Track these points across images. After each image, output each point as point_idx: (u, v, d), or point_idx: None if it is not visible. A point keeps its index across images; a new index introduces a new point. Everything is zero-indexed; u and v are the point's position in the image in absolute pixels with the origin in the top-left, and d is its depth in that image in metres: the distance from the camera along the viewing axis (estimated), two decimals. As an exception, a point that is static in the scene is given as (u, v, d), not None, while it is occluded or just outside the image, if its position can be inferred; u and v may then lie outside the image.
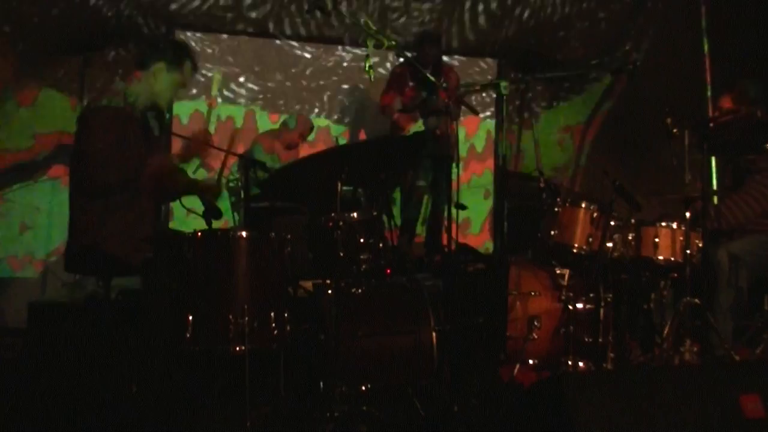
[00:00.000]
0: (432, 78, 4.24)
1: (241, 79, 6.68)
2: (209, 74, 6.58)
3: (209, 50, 6.57)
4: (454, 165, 4.25)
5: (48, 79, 5.92)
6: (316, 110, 6.81)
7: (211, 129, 5.24)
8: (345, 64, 6.88)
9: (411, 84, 5.67)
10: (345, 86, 6.93)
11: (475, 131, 7.25)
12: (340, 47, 6.86)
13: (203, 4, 6.25)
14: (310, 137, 6.34)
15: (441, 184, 5.72)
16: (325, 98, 6.89)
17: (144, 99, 3.43)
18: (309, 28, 6.64)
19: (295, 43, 6.79)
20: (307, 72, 6.84)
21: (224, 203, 6.18)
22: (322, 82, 6.87)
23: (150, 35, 6.23)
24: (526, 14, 6.63)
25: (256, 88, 6.71)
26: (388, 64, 6.58)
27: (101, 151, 3.21)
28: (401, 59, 5.19)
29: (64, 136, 5.90)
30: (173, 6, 6.19)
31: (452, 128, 5.52)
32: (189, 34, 6.51)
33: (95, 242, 3.25)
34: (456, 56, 7.04)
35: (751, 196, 4.18)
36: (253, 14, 6.43)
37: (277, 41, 6.76)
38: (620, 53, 6.52)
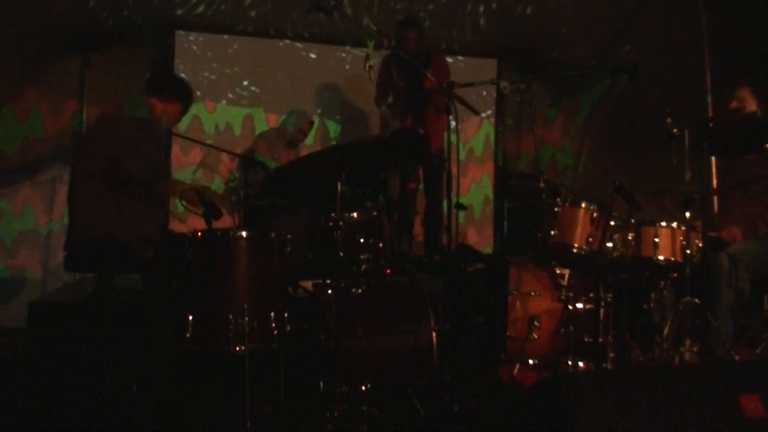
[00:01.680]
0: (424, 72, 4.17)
1: (245, 82, 6.67)
2: (213, 77, 6.57)
3: (210, 53, 6.55)
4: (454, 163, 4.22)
5: (48, 80, 5.92)
6: (319, 111, 6.80)
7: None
8: (348, 67, 6.87)
9: (396, 75, 5.62)
10: (347, 87, 6.92)
11: (474, 134, 7.23)
12: (341, 48, 6.85)
13: (204, 5, 6.23)
14: (311, 134, 6.33)
15: (434, 183, 5.70)
16: (327, 99, 6.88)
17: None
18: (312, 30, 6.62)
19: (298, 44, 6.77)
20: (310, 73, 6.82)
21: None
22: (324, 84, 6.86)
23: (151, 37, 6.23)
24: (526, 15, 6.62)
25: (258, 90, 6.69)
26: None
27: (130, 145, 3.37)
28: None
29: (64, 137, 5.92)
30: (173, 7, 6.18)
31: (437, 122, 5.47)
32: (191, 38, 6.49)
33: (106, 237, 3.27)
34: (460, 56, 7.04)
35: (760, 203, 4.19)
36: (255, 16, 6.41)
37: (280, 43, 6.74)
38: (620, 53, 6.52)
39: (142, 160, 3.38)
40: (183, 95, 3.83)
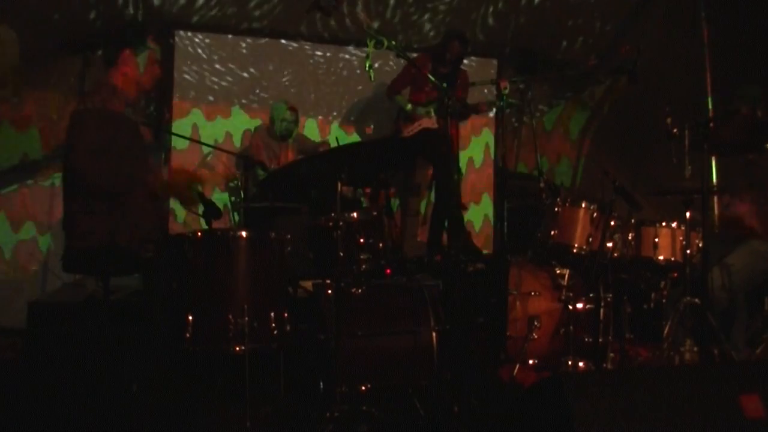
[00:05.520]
0: (432, 78, 4.21)
1: (248, 84, 6.62)
2: (216, 79, 6.55)
3: (215, 55, 6.52)
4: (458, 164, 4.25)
5: (48, 79, 5.92)
6: (335, 113, 6.79)
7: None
8: (358, 71, 6.83)
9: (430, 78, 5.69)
10: (355, 88, 6.88)
11: (473, 141, 7.21)
12: (345, 48, 6.84)
13: (206, 5, 6.21)
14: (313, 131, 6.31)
15: (442, 182, 5.71)
16: (333, 100, 6.85)
17: (132, 91, 3.46)
18: (317, 30, 6.60)
19: (303, 44, 6.73)
20: (315, 74, 6.78)
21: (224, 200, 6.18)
22: (330, 85, 6.83)
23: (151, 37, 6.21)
24: (527, 15, 6.62)
25: (265, 95, 6.65)
26: (392, 63, 6.57)
27: (94, 150, 3.22)
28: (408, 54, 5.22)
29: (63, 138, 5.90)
30: (174, 7, 6.16)
31: (454, 129, 5.57)
32: (197, 40, 6.47)
33: (101, 243, 3.24)
34: (473, 57, 7.03)
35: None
36: (259, 16, 6.38)
37: (290, 46, 6.71)
38: (620, 53, 6.52)
39: (104, 165, 3.19)
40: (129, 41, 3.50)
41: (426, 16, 6.55)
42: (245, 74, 6.62)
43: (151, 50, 3.53)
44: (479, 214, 7.15)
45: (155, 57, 3.56)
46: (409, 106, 5.73)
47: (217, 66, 6.52)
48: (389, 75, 6.09)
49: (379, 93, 6.37)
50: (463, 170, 6.94)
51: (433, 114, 5.67)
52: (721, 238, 4.26)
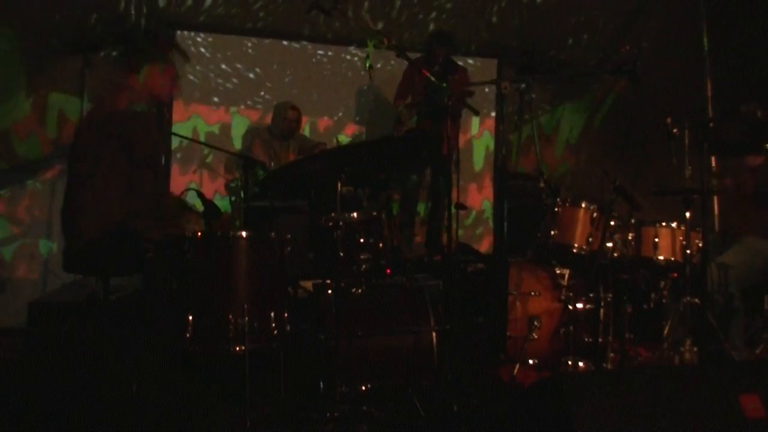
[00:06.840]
0: (433, 78, 4.24)
1: (251, 86, 6.63)
2: (218, 79, 6.55)
3: (218, 54, 6.52)
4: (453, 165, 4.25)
5: (49, 80, 5.92)
6: (340, 114, 6.78)
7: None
8: (361, 72, 6.80)
9: (418, 81, 5.70)
10: (358, 88, 6.89)
11: (476, 140, 7.19)
12: (348, 49, 6.84)
13: (214, 5, 6.20)
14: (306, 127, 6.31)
15: (439, 183, 5.73)
16: (336, 100, 6.85)
17: (146, 99, 3.49)
18: (320, 30, 6.59)
19: (306, 45, 6.73)
20: (318, 74, 6.79)
21: (224, 203, 6.19)
22: (331, 84, 6.83)
23: (152, 37, 6.21)
24: (529, 13, 6.62)
25: (268, 96, 6.65)
26: (393, 63, 6.56)
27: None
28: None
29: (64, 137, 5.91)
30: (175, 7, 6.16)
31: (450, 128, 5.57)
32: (199, 39, 6.46)
33: (101, 242, 3.25)
34: (480, 57, 7.03)
35: None
36: (263, 16, 6.38)
37: (294, 45, 6.71)
38: (620, 53, 6.52)
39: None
40: (154, 52, 3.52)
41: (432, 15, 6.56)
42: (250, 75, 6.63)
43: (171, 65, 3.53)
44: (479, 214, 7.15)
45: (175, 73, 3.56)
46: (400, 108, 5.76)
47: (222, 66, 6.52)
48: (390, 75, 6.09)
49: (381, 93, 6.38)
50: (463, 172, 6.94)
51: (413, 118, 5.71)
52: (720, 236, 4.26)
